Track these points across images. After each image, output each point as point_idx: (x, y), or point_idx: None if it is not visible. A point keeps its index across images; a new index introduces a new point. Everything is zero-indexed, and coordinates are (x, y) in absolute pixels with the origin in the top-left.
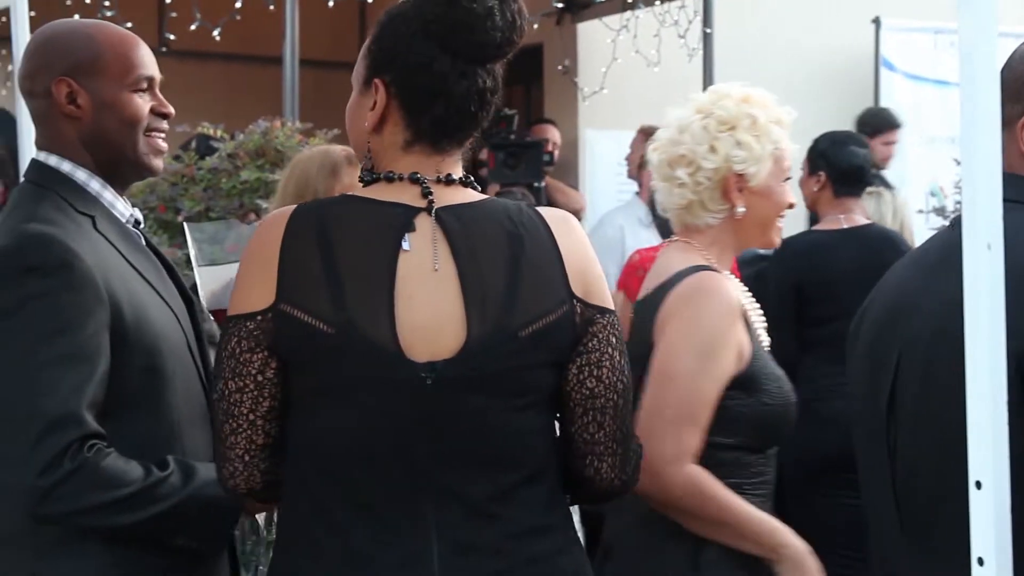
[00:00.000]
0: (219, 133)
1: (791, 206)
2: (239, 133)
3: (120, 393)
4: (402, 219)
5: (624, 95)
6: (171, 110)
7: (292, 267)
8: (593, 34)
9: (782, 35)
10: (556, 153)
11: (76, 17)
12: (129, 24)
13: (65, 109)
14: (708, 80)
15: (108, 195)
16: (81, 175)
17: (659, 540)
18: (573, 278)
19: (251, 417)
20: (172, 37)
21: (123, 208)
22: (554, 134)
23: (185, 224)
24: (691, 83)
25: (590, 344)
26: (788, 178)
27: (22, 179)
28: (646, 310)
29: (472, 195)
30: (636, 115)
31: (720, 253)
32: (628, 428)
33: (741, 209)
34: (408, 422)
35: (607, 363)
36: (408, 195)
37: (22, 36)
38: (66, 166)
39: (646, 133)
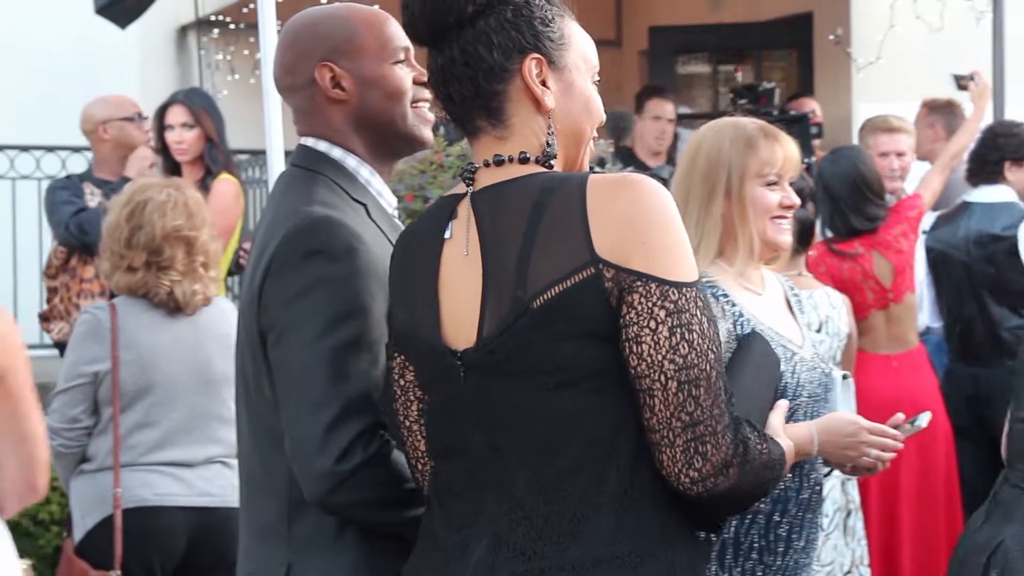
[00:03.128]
0: None
1: None
2: None
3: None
4: (450, 207)
5: (903, 65)
6: None
7: (394, 267)
8: None
9: None
10: (823, 126)
11: (324, 1)
12: (375, 6)
13: (331, 94)
14: (999, 46)
15: (376, 183)
16: (352, 161)
17: None
18: (601, 240)
19: (407, 423)
20: None
21: (389, 197)
22: (815, 107)
23: None
24: (979, 50)
25: (628, 316)
26: None
27: (290, 164)
28: None
29: (522, 171)
30: (916, 87)
31: None
32: (696, 417)
33: None
34: (459, 412)
35: (647, 339)
36: (464, 184)
37: (269, 25)
38: (336, 152)
39: (930, 107)
